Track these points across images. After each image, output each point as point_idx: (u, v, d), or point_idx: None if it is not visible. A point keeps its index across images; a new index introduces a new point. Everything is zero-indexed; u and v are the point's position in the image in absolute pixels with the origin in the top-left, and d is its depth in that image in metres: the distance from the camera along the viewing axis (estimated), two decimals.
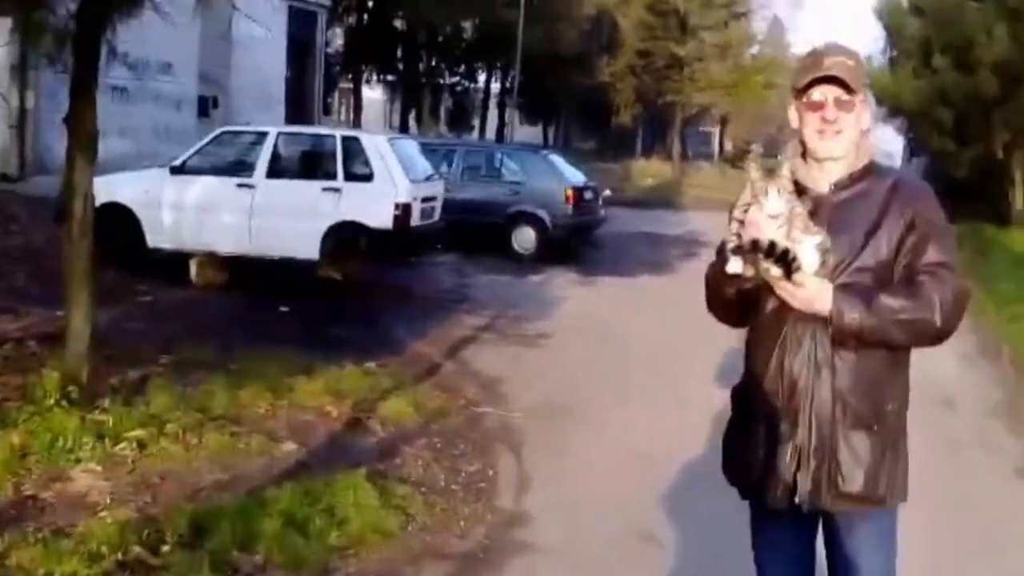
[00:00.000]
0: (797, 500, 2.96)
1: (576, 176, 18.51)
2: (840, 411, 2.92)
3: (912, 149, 33.34)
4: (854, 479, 2.93)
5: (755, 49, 50.68)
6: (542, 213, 17.07)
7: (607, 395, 8.49)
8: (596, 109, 46.89)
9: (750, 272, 2.85)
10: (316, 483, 5.59)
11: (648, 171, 39.75)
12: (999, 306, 13.46)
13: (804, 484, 2.94)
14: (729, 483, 3.21)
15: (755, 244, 2.79)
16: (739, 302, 3.03)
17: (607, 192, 20.63)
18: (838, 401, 2.92)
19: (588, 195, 18.26)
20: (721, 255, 2.95)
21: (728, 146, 59.24)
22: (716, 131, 60.71)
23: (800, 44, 50.71)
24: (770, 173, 2.85)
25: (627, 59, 44.10)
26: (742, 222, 2.85)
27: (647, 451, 6.93)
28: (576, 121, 50.82)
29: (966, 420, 8.39)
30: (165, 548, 4.71)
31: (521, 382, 8.75)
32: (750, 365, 3.12)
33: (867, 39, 31.45)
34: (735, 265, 2.85)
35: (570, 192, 17.40)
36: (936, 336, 2.94)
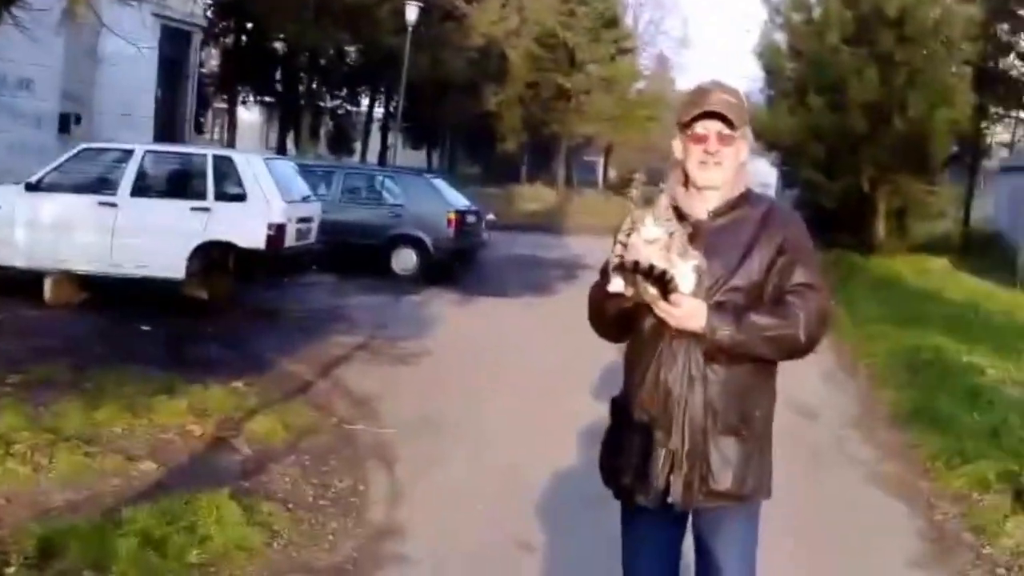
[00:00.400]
0: (670, 500, 3.16)
1: (459, 200, 18.50)
2: (711, 419, 3.14)
3: (786, 181, 34.53)
4: (723, 479, 3.15)
5: (641, 84, 51.63)
6: (424, 236, 17.01)
7: (482, 411, 8.46)
8: (482, 135, 47.07)
9: (630, 292, 3.03)
10: (176, 502, 5.41)
11: (532, 197, 40.09)
12: (858, 326, 14.19)
13: (677, 485, 3.14)
14: (604, 484, 3.40)
15: (635, 266, 2.98)
16: (620, 319, 3.22)
17: (491, 216, 20.67)
18: (709, 410, 3.14)
19: (471, 219, 18.28)
20: (605, 275, 3.13)
21: (612, 174, 59.96)
22: (600, 160, 61.39)
23: (684, 81, 51.94)
24: (649, 201, 3.06)
25: (515, 89, 44.42)
26: (625, 245, 3.03)
27: (521, 463, 6.93)
28: (461, 146, 50.87)
29: (826, 431, 8.76)
30: (10, 570, 4.52)
31: (395, 399, 8.65)
32: (629, 377, 3.31)
33: (748, 78, 32.51)
34: (616, 284, 3.03)
35: (452, 216, 17.38)
36: (801, 350, 3.20)
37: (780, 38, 28.18)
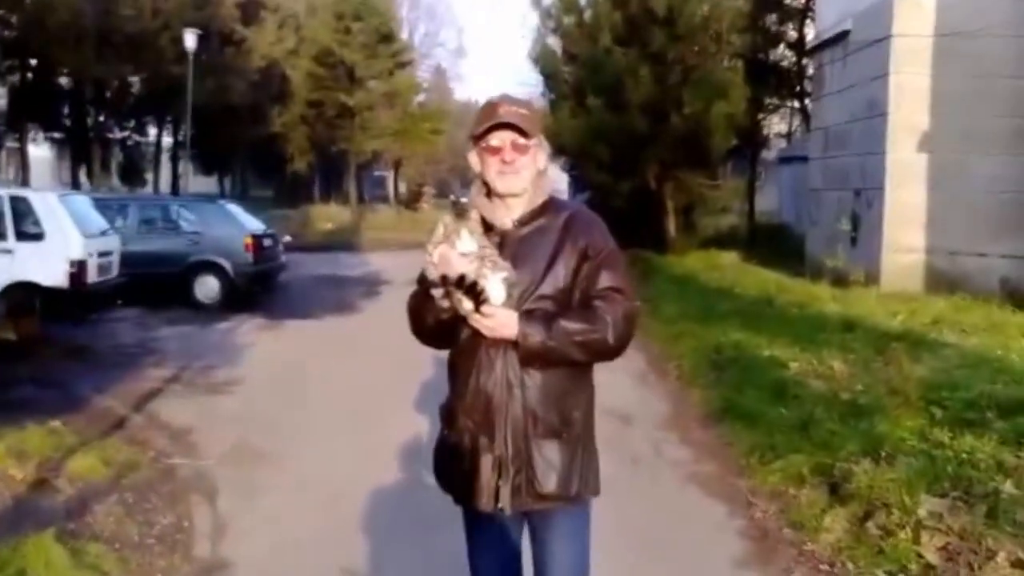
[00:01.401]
0: (500, 505, 3.22)
1: (254, 224, 18.31)
2: (532, 424, 3.20)
3: (576, 185, 34.76)
4: (549, 481, 3.22)
5: (421, 96, 51.87)
6: (223, 262, 16.80)
7: (300, 436, 8.43)
8: (271, 158, 46.52)
9: (446, 303, 3.09)
10: (2, 548, 5.27)
11: (327, 216, 39.82)
12: (664, 326, 14.16)
13: (505, 490, 3.20)
14: (443, 490, 3.43)
15: (446, 279, 3.03)
16: (440, 329, 3.25)
17: (287, 238, 20.57)
18: (529, 415, 3.20)
19: (268, 242, 18.13)
20: (422, 285, 3.20)
21: (403, 188, 60.11)
22: (391, 174, 61.41)
23: (463, 90, 52.54)
24: (461, 215, 3.14)
25: (298, 109, 44.04)
26: (434, 256, 3.08)
27: (342, 488, 6.94)
28: (252, 170, 50.15)
29: (642, 434, 8.70)
30: None
31: (212, 431, 8.53)
32: (452, 385, 3.36)
33: (527, 84, 32.58)
34: (439, 296, 3.09)
35: (249, 240, 17.20)
36: (611, 352, 3.27)
37: (554, 42, 27.95)
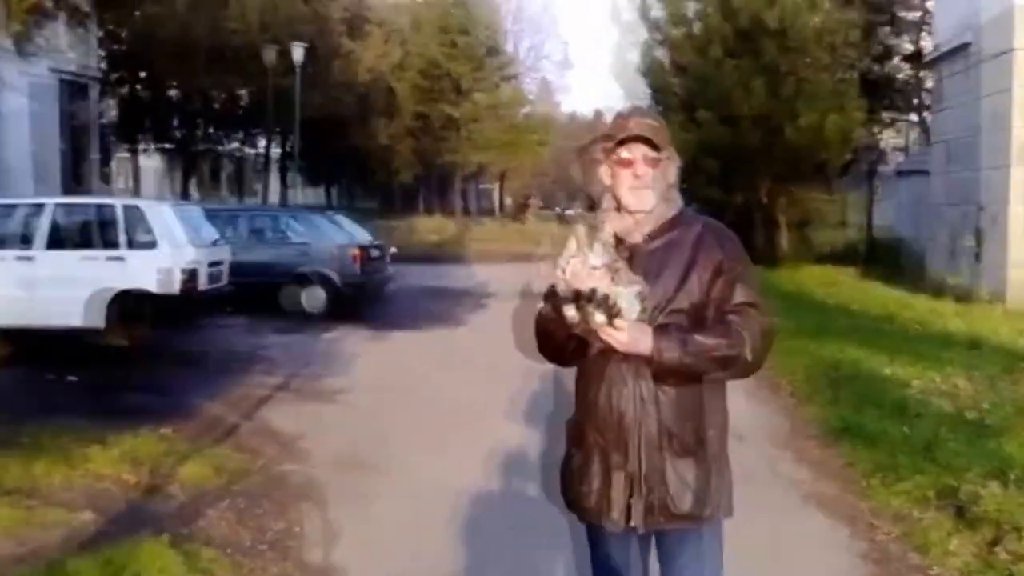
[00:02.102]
0: (632, 523, 3.17)
1: (363, 235, 18.57)
2: (666, 441, 3.15)
3: (685, 199, 34.57)
4: (683, 501, 3.16)
5: (527, 109, 52.09)
6: (331, 273, 17.06)
7: (407, 444, 8.48)
8: (377, 169, 47.07)
9: (577, 318, 3.01)
10: (118, 552, 5.38)
11: (432, 227, 40.14)
12: (776, 342, 13.79)
13: (638, 509, 3.15)
14: (568, 509, 3.40)
15: (579, 293, 2.96)
16: (568, 345, 3.20)
17: (393, 249, 20.76)
18: (663, 432, 3.14)
19: (375, 253, 18.35)
20: (550, 300, 3.15)
21: (508, 200, 60.34)
22: (496, 187, 61.74)
23: (569, 102, 52.70)
24: (593, 228, 3.05)
25: (404, 121, 44.59)
26: (565, 271, 3.01)
27: (449, 494, 6.94)
28: (358, 181, 50.81)
29: (757, 451, 8.44)
30: None
31: (321, 438, 8.63)
32: (581, 402, 3.30)
33: (635, 96, 32.31)
34: (569, 312, 3.00)
35: (357, 251, 17.42)
36: (748, 369, 3.21)
37: (663, 54, 27.90)
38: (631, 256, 3.14)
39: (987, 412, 8.54)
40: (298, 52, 28.88)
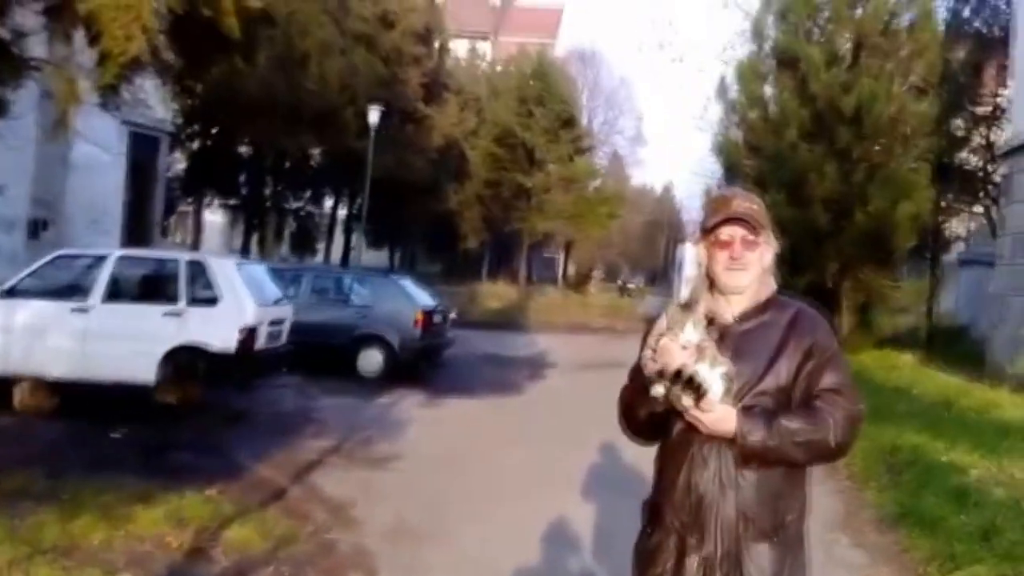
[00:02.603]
0: None
1: (426, 299, 18.52)
2: (743, 525, 3.11)
3: None
4: None
5: (598, 181, 52.33)
6: (390, 335, 16.98)
7: (460, 515, 8.33)
8: (443, 233, 47.32)
9: (663, 396, 3.05)
10: None
11: (494, 294, 40.27)
12: None
13: None
14: None
15: (664, 372, 3.01)
16: (650, 422, 3.23)
17: (454, 314, 20.71)
18: (742, 516, 3.11)
19: (437, 318, 18.28)
20: (637, 379, 3.18)
21: (571, 270, 60.40)
22: (560, 256, 61.86)
23: (640, 176, 53.03)
24: (687, 307, 3.12)
25: (475, 188, 44.90)
26: (655, 349, 3.07)
27: (500, 568, 6.80)
28: (422, 244, 51.10)
29: (813, 534, 8.41)
30: None
31: (372, 506, 8.48)
32: (660, 481, 3.29)
33: (705, 174, 32.67)
34: (657, 390, 3.03)
35: (419, 315, 17.37)
36: (832, 455, 3.23)
37: (737, 134, 28.32)
38: (721, 336, 3.14)
39: None
40: (374, 114, 29.23)
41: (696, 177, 44.75)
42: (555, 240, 55.13)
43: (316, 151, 35.70)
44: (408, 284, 18.92)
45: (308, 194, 39.83)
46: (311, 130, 31.01)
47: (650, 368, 3.07)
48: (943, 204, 28.26)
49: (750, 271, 3.22)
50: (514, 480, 9.76)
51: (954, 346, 24.11)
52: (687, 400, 3.01)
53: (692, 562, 3.12)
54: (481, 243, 48.78)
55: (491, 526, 8.02)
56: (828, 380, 3.18)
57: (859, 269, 25.09)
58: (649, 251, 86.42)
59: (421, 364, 17.94)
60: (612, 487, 8.61)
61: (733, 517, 3.10)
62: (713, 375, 3.01)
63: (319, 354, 15.91)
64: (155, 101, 19.11)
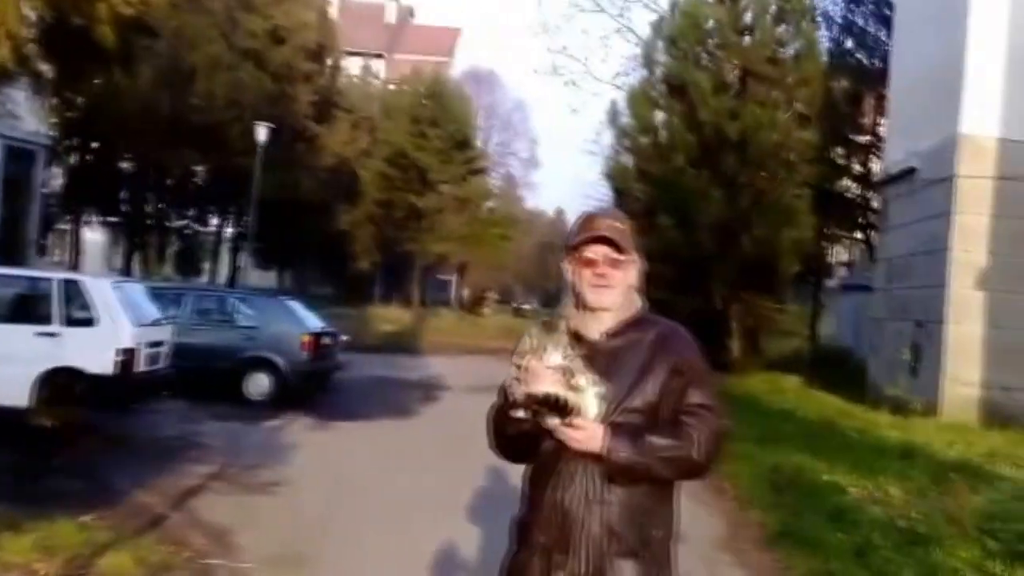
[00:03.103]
0: None
1: (314, 321, 18.34)
2: (609, 541, 3.14)
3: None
4: None
5: (491, 203, 52.49)
6: (278, 359, 16.78)
7: (343, 541, 8.27)
8: (335, 255, 46.99)
9: (529, 417, 3.08)
10: None
11: (387, 317, 40.11)
12: (723, 446, 14.12)
13: None
14: None
15: (531, 394, 3.02)
16: (520, 442, 3.26)
17: (345, 337, 20.56)
18: (608, 532, 3.14)
19: (326, 340, 18.11)
20: (507, 401, 3.18)
21: (465, 292, 60.46)
22: (454, 278, 61.88)
23: (533, 199, 53.36)
24: (552, 326, 3.19)
25: (366, 208, 44.67)
26: (520, 368, 3.09)
27: None
28: (313, 266, 50.67)
29: (697, 553, 8.51)
30: None
31: (253, 531, 8.35)
32: (529, 498, 3.32)
33: (596, 198, 33.10)
34: (519, 412, 3.08)
35: (307, 338, 17.20)
36: (698, 470, 3.28)
37: (628, 160, 28.80)
38: (590, 353, 3.18)
39: (917, 521, 8.91)
40: (262, 132, 28.89)
41: (588, 201, 45.24)
42: (449, 262, 55.09)
43: (201, 168, 35.27)
44: (295, 306, 18.74)
45: (193, 212, 39.27)
46: (196, 146, 30.63)
47: (516, 390, 3.09)
48: (825, 231, 29.24)
49: (616, 289, 3.27)
50: (400, 505, 9.69)
51: (837, 369, 24.72)
52: (554, 423, 3.05)
53: None
54: (374, 265, 48.51)
55: (374, 551, 7.97)
56: (694, 397, 3.24)
57: (746, 293, 25.60)
58: (543, 273, 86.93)
59: (310, 388, 17.74)
60: (499, 510, 8.52)
61: (599, 534, 3.13)
62: (587, 394, 3.05)
63: (203, 377, 15.70)
64: (26, 112, 18.61)
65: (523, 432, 3.18)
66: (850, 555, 7.99)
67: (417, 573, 7.29)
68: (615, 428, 3.10)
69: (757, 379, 23.28)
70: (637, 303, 3.37)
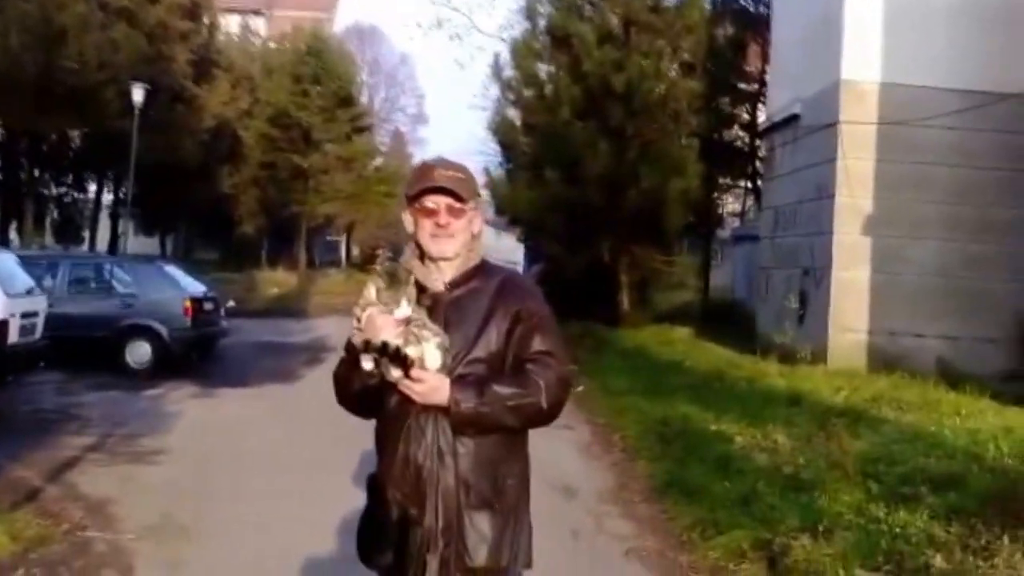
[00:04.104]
0: None
1: (195, 286, 18.13)
2: (464, 493, 3.19)
3: (531, 256, 35.19)
4: (479, 554, 3.19)
5: (378, 161, 52.11)
6: (158, 326, 16.58)
7: (228, 509, 8.25)
8: (218, 219, 46.28)
9: (373, 370, 3.10)
10: None
11: (274, 281, 39.70)
12: (612, 399, 14.57)
13: (433, 564, 3.17)
14: (366, 567, 3.38)
15: (370, 345, 3.05)
16: (366, 397, 3.28)
17: (231, 303, 20.40)
18: (461, 484, 3.19)
19: (208, 306, 17.93)
20: (350, 353, 3.21)
21: (355, 252, 60.11)
22: (343, 239, 61.46)
23: (422, 156, 52.98)
24: (393, 278, 3.16)
25: (250, 170, 44.02)
26: (361, 320, 3.12)
27: (268, 562, 6.80)
28: (197, 231, 49.87)
29: (584, 507, 8.78)
30: None
31: (133, 502, 8.31)
32: (380, 456, 3.34)
33: (486, 153, 32.93)
34: (367, 363, 3.09)
35: (189, 303, 17.01)
36: (544, 417, 3.29)
37: (514, 113, 28.81)
38: (433, 304, 3.22)
39: (802, 467, 9.07)
40: (138, 93, 28.17)
41: (476, 156, 45.20)
42: (337, 222, 54.65)
43: (76, 133, 34.33)
44: (176, 271, 18.50)
45: (70, 179, 38.30)
46: (69, 110, 29.70)
47: (357, 340, 3.12)
48: (714, 181, 29.22)
49: (457, 239, 3.29)
50: (285, 470, 9.69)
51: (728, 320, 24.97)
52: (396, 375, 3.07)
53: (414, 535, 3.18)
54: (259, 228, 47.84)
55: (259, 520, 7.95)
56: (537, 344, 3.28)
57: (634, 246, 25.68)
58: None
59: (193, 355, 17.61)
60: None
61: (453, 486, 3.18)
62: (428, 346, 3.07)
63: (81, 347, 15.51)
64: None
65: (368, 387, 3.20)
66: (735, 503, 8.12)
67: (302, 538, 7.30)
68: (460, 379, 3.14)
69: (647, 332, 23.48)
70: (480, 252, 3.40)
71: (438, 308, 3.21)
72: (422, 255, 3.34)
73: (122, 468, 9.64)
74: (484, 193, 30.16)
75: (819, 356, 16.82)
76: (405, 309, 3.09)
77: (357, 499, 3.39)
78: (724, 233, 36.22)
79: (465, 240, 3.32)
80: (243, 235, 47.83)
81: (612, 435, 12.22)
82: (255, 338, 21.51)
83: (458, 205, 3.28)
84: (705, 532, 7.63)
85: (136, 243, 37.69)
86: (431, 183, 3.27)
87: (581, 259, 25.13)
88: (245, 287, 33.78)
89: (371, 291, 3.15)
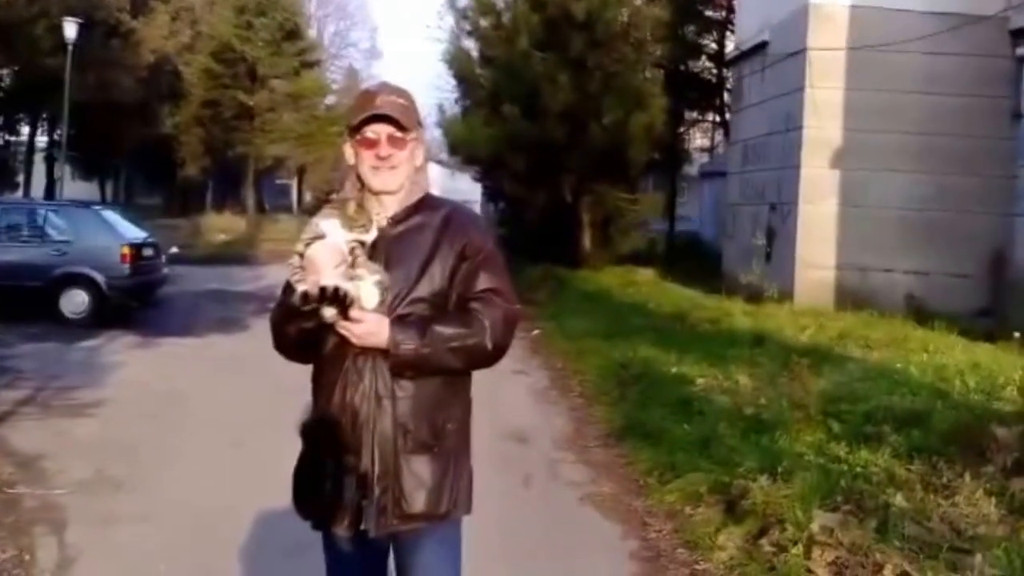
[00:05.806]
0: (363, 527, 3.18)
1: (134, 232, 17.97)
2: (402, 438, 3.16)
3: (489, 195, 35.04)
4: (417, 500, 3.18)
5: (331, 99, 51.64)
6: (95, 274, 16.46)
7: (166, 462, 8.24)
8: (160, 162, 45.90)
9: (308, 310, 3.02)
10: None
11: (220, 226, 39.47)
12: (571, 342, 14.66)
13: (369, 512, 3.16)
14: (302, 518, 3.34)
15: (308, 283, 2.98)
16: (303, 340, 3.23)
17: (174, 249, 20.29)
18: (399, 429, 3.16)
19: (148, 252, 17.79)
20: (287, 294, 3.14)
21: (307, 196, 59.77)
22: (294, 182, 61.10)
23: None
24: (334, 211, 3.11)
25: (192, 109, 43.62)
26: (302, 257, 3.06)
27: (211, 517, 6.81)
28: (139, 175, 49.43)
29: (539, 453, 8.83)
30: None
31: (66, 457, 8.28)
32: (316, 400, 3.32)
33: (442, 88, 32.58)
34: (301, 301, 3.01)
35: (127, 250, 16.86)
36: (489, 358, 3.26)
37: (470, 45, 28.55)
38: (373, 242, 3.14)
39: (764, 408, 9.12)
40: (71, 28, 27.73)
41: (433, 91, 44.88)
42: (287, 165, 54.26)
43: (5, 71, 33.83)
44: (112, 216, 18.31)
45: (1, 121, 37.81)
46: None
47: (294, 279, 3.07)
48: (680, 115, 29.37)
49: (399, 171, 3.23)
50: (226, 422, 9.70)
51: (695, 260, 25.25)
52: (331, 314, 3.01)
53: (350, 482, 3.16)
54: (203, 171, 47.49)
55: (199, 473, 7.97)
56: (483, 282, 3.24)
57: (597, 184, 25.64)
58: None
59: (132, 304, 17.50)
60: None
61: (391, 430, 3.15)
62: (365, 284, 3.02)
63: (14, 297, 15.46)
64: None
65: (304, 330, 3.14)
66: (695, 446, 8.18)
67: (243, 491, 7.31)
68: (400, 320, 3.10)
69: (610, 273, 23.54)
70: (423, 186, 3.35)
71: (379, 245, 3.16)
72: (362, 188, 3.28)
73: (56, 422, 9.60)
74: (436, 133, 30.14)
75: (786, 295, 17.00)
76: (339, 241, 3.03)
77: (295, 450, 3.36)
78: (691, 170, 36.16)
79: (408, 172, 3.26)
80: (187, 178, 47.49)
81: (570, 380, 12.28)
82: (201, 286, 21.45)
83: (400, 135, 3.21)
84: (663, 476, 7.71)
85: (74, 188, 37.33)
86: (373, 111, 3.19)
87: (541, 198, 24.98)
88: (190, 233, 33.62)
89: (311, 227, 3.10)
